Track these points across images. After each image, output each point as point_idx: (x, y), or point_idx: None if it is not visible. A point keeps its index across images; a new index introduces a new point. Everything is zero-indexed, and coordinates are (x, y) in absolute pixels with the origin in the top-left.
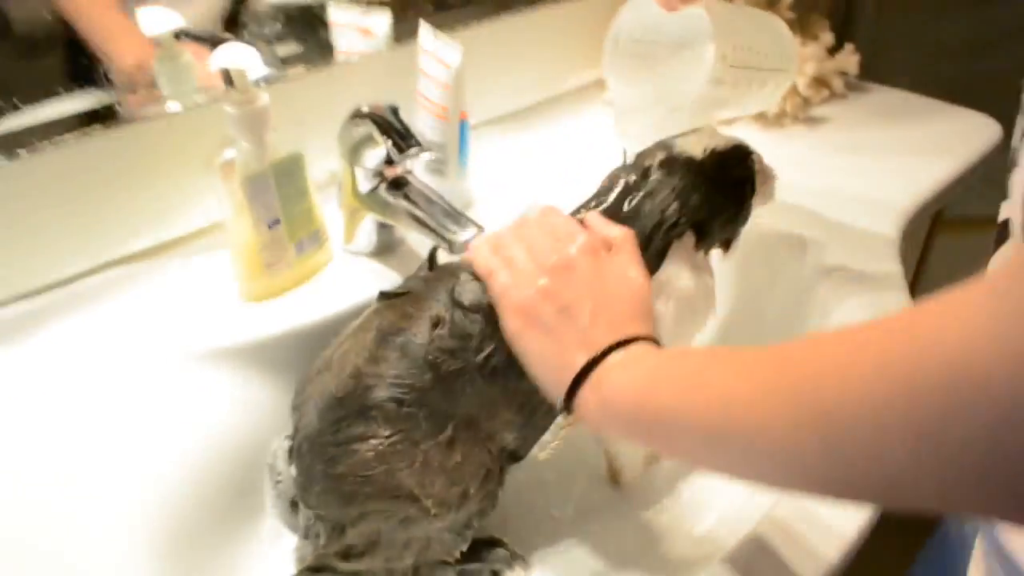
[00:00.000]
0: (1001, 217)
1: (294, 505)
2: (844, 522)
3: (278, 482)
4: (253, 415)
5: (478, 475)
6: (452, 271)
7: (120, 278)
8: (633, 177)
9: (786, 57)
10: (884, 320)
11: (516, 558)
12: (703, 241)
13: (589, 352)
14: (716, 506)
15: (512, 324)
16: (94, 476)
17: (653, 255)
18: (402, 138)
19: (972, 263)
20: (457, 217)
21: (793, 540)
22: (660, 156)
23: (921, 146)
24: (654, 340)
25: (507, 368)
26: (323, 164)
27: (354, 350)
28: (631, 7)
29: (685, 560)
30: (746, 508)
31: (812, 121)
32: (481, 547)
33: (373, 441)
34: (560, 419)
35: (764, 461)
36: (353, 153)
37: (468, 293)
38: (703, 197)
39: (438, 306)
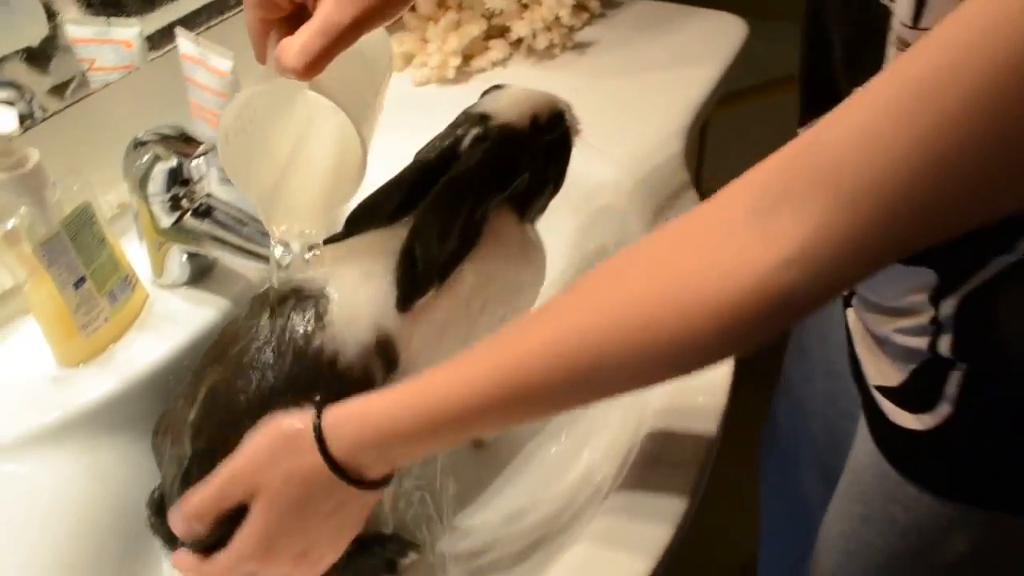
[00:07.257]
0: None
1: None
2: (708, 401)
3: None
4: (118, 478)
5: None
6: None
7: None
8: (439, 155)
9: (378, 71)
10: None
11: (409, 546)
12: (526, 215)
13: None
14: (588, 443)
15: None
16: None
17: (469, 233)
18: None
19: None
20: None
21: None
22: (474, 130)
23: (684, 55)
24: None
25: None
26: (107, 198)
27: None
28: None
29: (573, 502)
30: (612, 432)
31: (579, 47)
32: (372, 543)
33: None
34: None
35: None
36: (143, 187)
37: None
38: (526, 169)
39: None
